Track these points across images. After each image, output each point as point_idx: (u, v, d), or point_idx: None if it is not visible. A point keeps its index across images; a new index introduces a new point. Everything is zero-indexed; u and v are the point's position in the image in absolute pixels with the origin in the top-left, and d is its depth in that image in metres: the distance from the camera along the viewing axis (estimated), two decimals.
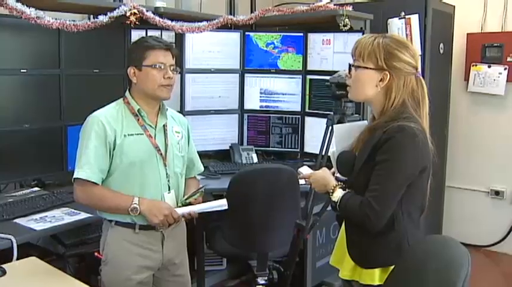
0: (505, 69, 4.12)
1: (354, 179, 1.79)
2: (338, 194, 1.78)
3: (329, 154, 2.09)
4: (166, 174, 2.13)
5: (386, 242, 1.75)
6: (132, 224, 2.08)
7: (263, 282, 2.79)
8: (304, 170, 2.09)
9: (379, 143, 1.70)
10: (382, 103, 1.79)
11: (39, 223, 2.30)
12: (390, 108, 1.76)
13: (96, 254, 2.16)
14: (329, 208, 2.50)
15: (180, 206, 2.15)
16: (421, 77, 1.81)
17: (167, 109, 2.21)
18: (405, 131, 1.67)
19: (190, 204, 2.15)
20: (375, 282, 1.76)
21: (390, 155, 1.68)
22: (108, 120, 2.05)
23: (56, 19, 2.63)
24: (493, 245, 4.41)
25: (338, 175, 1.91)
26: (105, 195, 2.05)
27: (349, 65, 1.86)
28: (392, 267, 1.72)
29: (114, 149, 2.04)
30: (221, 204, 2.15)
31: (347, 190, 1.80)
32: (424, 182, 1.78)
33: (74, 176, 2.02)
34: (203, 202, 2.20)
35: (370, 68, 1.77)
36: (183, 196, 2.21)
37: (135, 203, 2.01)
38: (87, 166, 2.00)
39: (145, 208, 2.02)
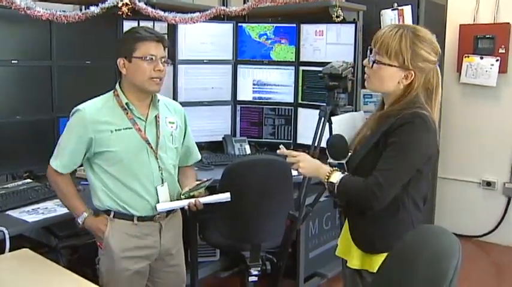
0: (497, 60, 4.13)
1: (359, 163, 1.79)
2: (337, 175, 1.76)
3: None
4: (159, 167, 2.12)
5: (392, 227, 1.77)
6: (131, 215, 2.09)
7: (256, 273, 2.81)
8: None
9: (391, 129, 1.72)
10: (399, 96, 1.80)
11: (31, 214, 2.29)
12: (406, 98, 1.77)
13: (98, 243, 2.16)
14: (322, 198, 2.52)
15: (183, 198, 2.15)
16: (437, 67, 1.82)
17: (159, 100, 2.17)
18: (420, 118, 1.70)
19: (193, 197, 2.15)
20: None
21: (402, 137, 1.69)
22: (92, 118, 2.03)
23: (46, 10, 2.61)
24: (484, 235, 4.44)
25: (331, 160, 1.90)
26: (64, 193, 2.14)
27: (369, 57, 1.82)
28: None
29: (98, 147, 2.04)
30: (224, 197, 2.18)
31: (345, 173, 1.79)
32: (429, 171, 1.82)
33: (50, 162, 2.12)
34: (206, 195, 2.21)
35: (395, 66, 1.75)
36: (184, 188, 2.21)
37: (80, 219, 2.11)
38: (60, 157, 2.09)
39: (85, 226, 2.12)
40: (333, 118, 2.04)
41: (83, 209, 2.11)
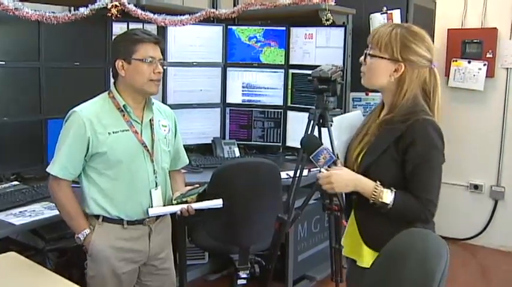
0: (484, 65, 4.17)
1: (370, 166, 1.79)
2: (388, 195, 1.75)
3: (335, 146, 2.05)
4: (154, 170, 2.11)
5: (405, 227, 1.73)
6: (120, 220, 2.07)
7: (245, 276, 2.80)
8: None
9: (405, 139, 1.74)
10: (393, 93, 1.82)
11: (18, 217, 2.27)
12: (402, 101, 1.79)
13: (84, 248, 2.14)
14: (310, 201, 2.52)
15: (175, 204, 2.15)
16: (434, 69, 1.85)
17: (153, 103, 2.17)
18: (432, 126, 1.75)
19: (186, 202, 2.14)
20: None
21: (431, 153, 1.74)
22: (89, 119, 2.00)
23: (35, 11, 2.60)
24: (471, 238, 4.48)
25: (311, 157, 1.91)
26: (65, 206, 2.06)
27: (365, 53, 1.87)
28: None
29: (95, 148, 2.01)
30: (216, 203, 2.17)
31: (392, 190, 1.76)
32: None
33: (47, 169, 2.04)
34: (198, 200, 2.19)
35: (386, 58, 1.79)
36: (175, 193, 2.20)
37: (82, 236, 2.05)
38: (57, 160, 2.02)
39: (85, 244, 2.07)
40: (334, 118, 2.05)
41: (84, 225, 2.06)
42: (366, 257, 1.86)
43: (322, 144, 1.93)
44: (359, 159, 1.85)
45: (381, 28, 1.84)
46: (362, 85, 1.92)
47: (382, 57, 1.80)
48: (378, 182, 1.77)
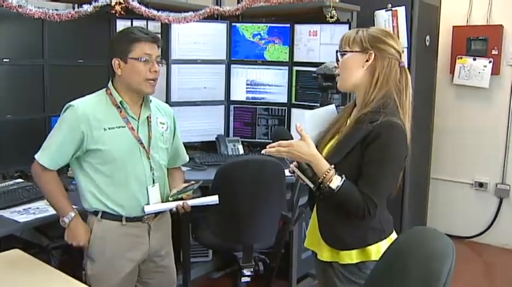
0: (489, 62, 4.15)
1: (338, 164, 1.80)
2: (337, 182, 1.76)
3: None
4: (151, 167, 2.11)
5: (362, 225, 1.82)
6: (119, 216, 2.07)
7: (249, 274, 2.80)
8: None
9: (368, 137, 1.75)
10: (367, 86, 1.83)
11: (22, 214, 2.27)
12: (375, 92, 1.80)
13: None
14: None
15: (171, 200, 2.15)
16: (405, 67, 1.86)
17: (151, 101, 2.17)
18: (396, 129, 1.75)
19: (182, 199, 2.14)
20: (353, 260, 1.84)
21: (386, 154, 1.75)
22: (86, 113, 2.01)
23: (38, 8, 2.59)
24: (476, 236, 4.46)
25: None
26: (51, 190, 2.07)
27: (337, 57, 1.92)
28: (368, 247, 1.82)
29: (89, 143, 2.01)
30: (212, 199, 2.18)
31: (340, 175, 1.78)
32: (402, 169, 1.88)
33: (35, 156, 2.05)
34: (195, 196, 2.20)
35: (356, 51, 1.84)
36: (172, 189, 2.20)
37: (67, 219, 2.05)
38: (46, 150, 2.04)
39: (69, 227, 2.07)
40: (306, 112, 2.06)
41: (69, 209, 2.06)
42: (325, 253, 1.90)
43: (292, 138, 1.94)
44: (327, 157, 1.85)
45: (347, 33, 1.91)
46: None
47: (352, 51, 1.84)
48: (333, 166, 1.78)
